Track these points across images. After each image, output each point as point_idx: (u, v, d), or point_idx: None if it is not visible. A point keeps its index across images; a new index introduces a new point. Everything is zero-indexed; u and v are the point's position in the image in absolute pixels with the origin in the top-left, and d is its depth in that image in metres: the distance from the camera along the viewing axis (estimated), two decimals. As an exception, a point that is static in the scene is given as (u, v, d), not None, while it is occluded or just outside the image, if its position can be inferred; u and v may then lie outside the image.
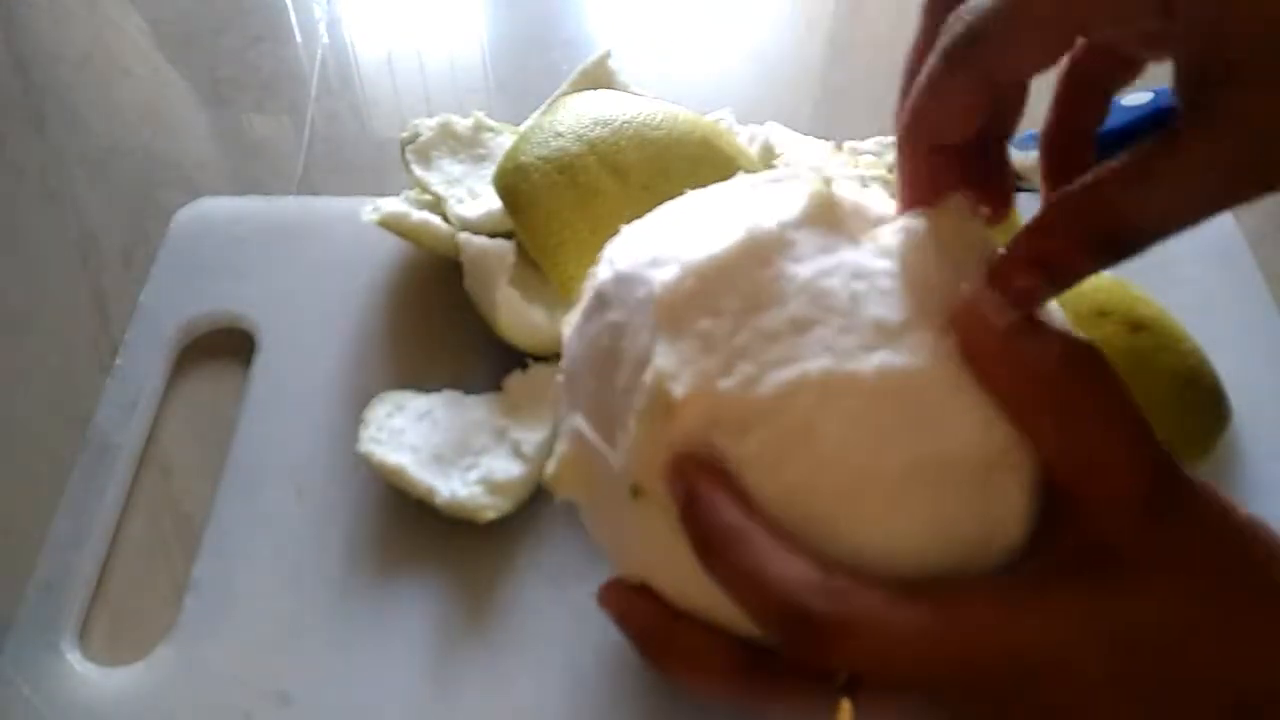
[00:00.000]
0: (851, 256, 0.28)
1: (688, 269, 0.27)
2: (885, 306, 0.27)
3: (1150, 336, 0.39)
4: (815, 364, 0.26)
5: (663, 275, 0.27)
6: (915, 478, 0.26)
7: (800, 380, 0.26)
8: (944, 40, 0.26)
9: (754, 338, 0.26)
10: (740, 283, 0.27)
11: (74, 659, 0.38)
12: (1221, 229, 0.50)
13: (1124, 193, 0.25)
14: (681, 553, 0.27)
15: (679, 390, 0.26)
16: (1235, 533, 0.26)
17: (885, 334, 0.26)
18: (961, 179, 0.28)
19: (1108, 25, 0.25)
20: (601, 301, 0.30)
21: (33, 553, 0.41)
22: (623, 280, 0.29)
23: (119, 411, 0.45)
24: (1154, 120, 0.52)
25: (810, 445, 0.26)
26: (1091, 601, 0.25)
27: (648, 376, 0.27)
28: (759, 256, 0.27)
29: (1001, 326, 0.26)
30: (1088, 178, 0.25)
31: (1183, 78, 0.25)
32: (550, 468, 0.30)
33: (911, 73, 0.28)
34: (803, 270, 0.27)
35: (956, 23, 0.25)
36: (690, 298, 0.27)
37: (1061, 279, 0.26)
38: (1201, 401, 0.40)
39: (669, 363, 0.27)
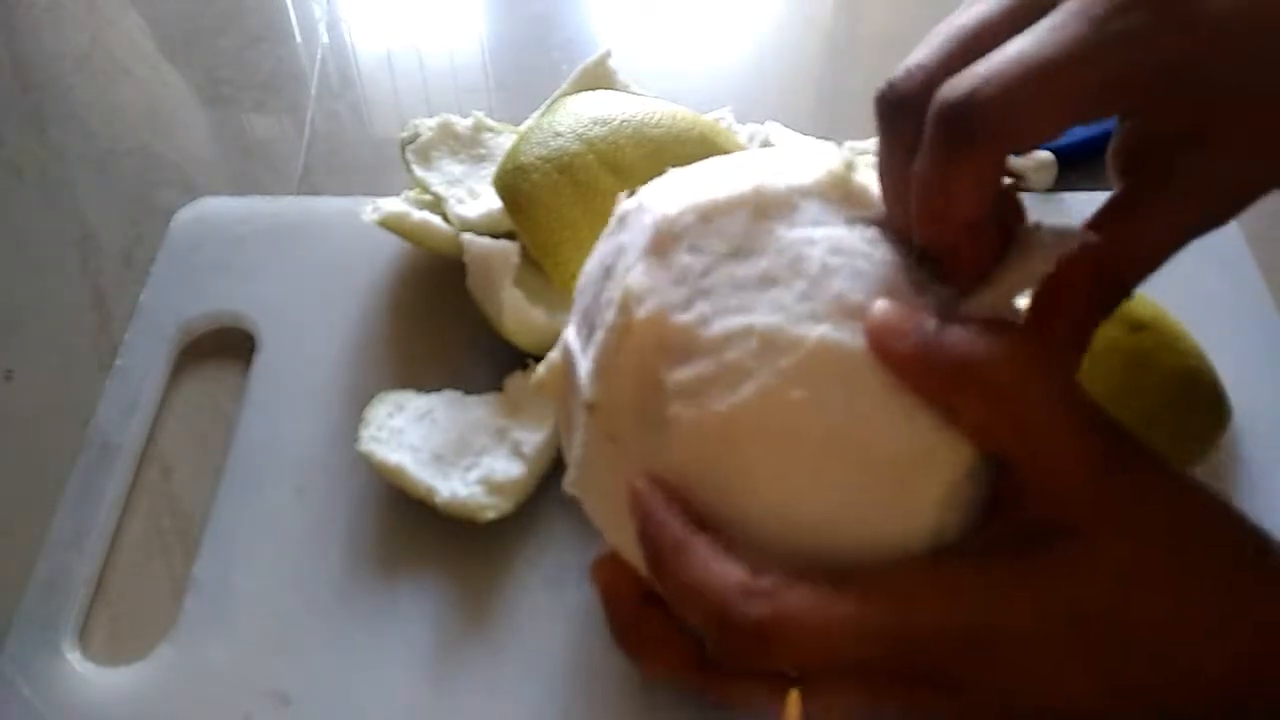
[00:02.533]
0: (841, 233, 0.29)
1: (689, 206, 0.29)
2: (852, 285, 0.28)
3: (1150, 336, 0.39)
4: (764, 319, 0.27)
5: (666, 207, 0.30)
6: (831, 452, 0.27)
7: (746, 329, 0.27)
8: (938, 145, 0.26)
9: (722, 282, 0.28)
10: (731, 230, 0.29)
11: (74, 659, 0.38)
12: (1222, 229, 0.50)
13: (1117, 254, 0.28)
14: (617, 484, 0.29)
15: (639, 312, 0.29)
16: (1186, 497, 0.26)
17: (841, 310, 0.27)
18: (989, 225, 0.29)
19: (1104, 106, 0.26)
20: (618, 225, 0.32)
21: (33, 553, 0.41)
22: (638, 208, 0.31)
23: (119, 411, 0.45)
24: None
25: (738, 390, 0.27)
26: (1043, 574, 0.25)
27: (618, 292, 0.29)
28: (759, 211, 0.29)
29: (911, 339, 0.26)
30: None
31: (1145, 139, 0.28)
32: (538, 372, 0.33)
33: (894, 176, 0.28)
34: (790, 234, 0.29)
35: (945, 125, 0.25)
36: (682, 231, 0.29)
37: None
38: (1201, 401, 0.40)
39: (640, 285, 0.29)
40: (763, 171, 0.30)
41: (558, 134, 0.44)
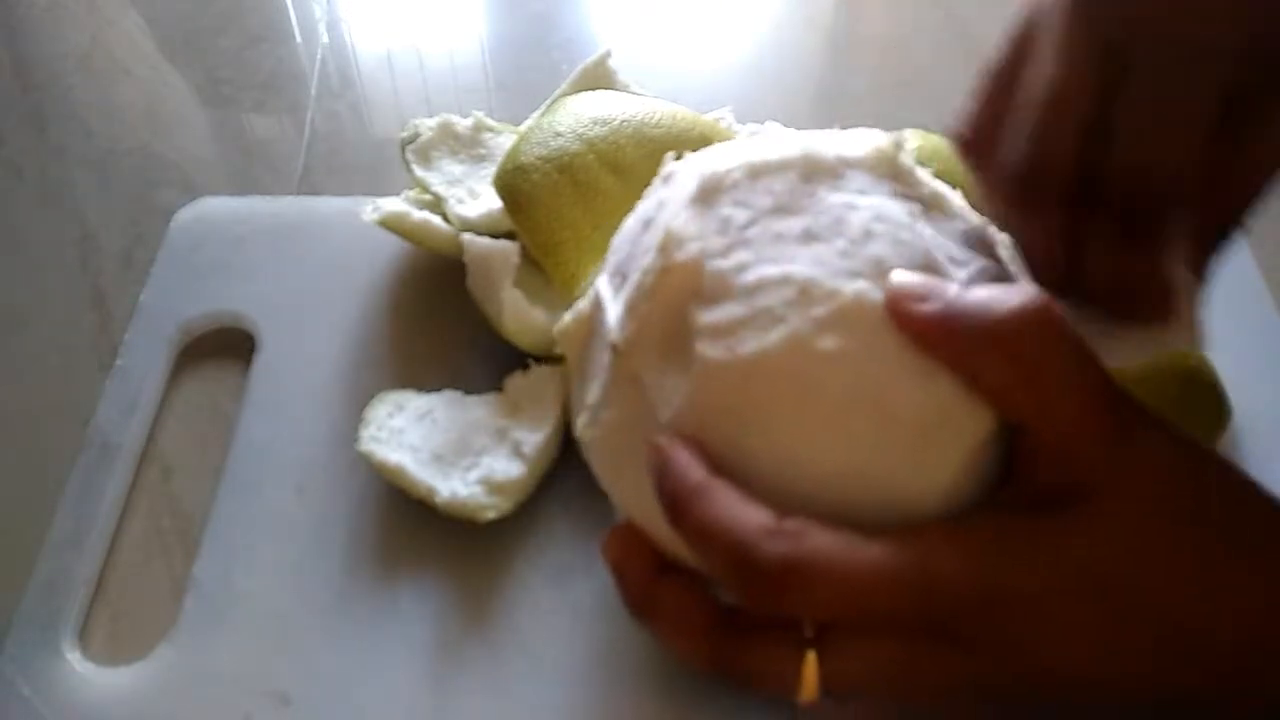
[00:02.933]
0: (886, 204, 0.29)
1: (738, 164, 0.30)
2: (892, 251, 0.28)
3: (1150, 336, 0.39)
4: (802, 270, 0.28)
5: (715, 163, 0.31)
6: (853, 405, 0.27)
7: (782, 278, 0.28)
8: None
9: (764, 234, 0.29)
10: (778, 188, 0.30)
11: (74, 659, 0.38)
12: (1221, 229, 0.50)
13: None
14: (635, 438, 0.30)
15: (678, 254, 0.29)
16: (1199, 465, 0.26)
17: (879, 271, 0.28)
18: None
19: None
20: (662, 183, 0.33)
21: (33, 553, 0.41)
22: (684, 166, 0.32)
23: (119, 411, 0.45)
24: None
25: (768, 334, 0.27)
26: (1055, 536, 0.25)
27: (659, 235, 0.30)
28: (806, 173, 0.30)
29: (932, 304, 0.26)
30: None
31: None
32: (564, 320, 0.33)
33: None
34: (835, 197, 0.29)
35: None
36: (731, 186, 0.30)
37: None
38: (1201, 401, 0.40)
39: (682, 229, 0.29)
40: (812, 141, 0.31)
41: (558, 134, 0.44)
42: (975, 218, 0.31)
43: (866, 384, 0.27)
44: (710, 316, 0.28)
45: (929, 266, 0.28)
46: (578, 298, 0.43)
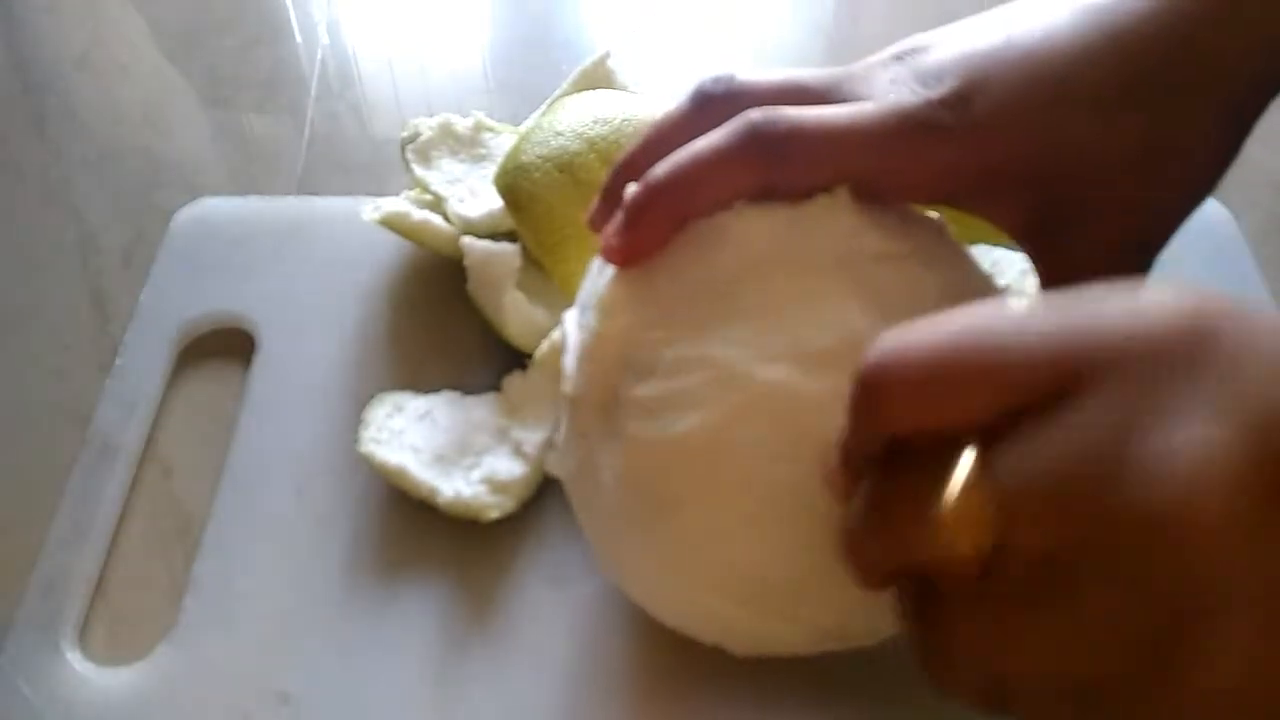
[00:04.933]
0: (817, 277, 0.28)
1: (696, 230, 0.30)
2: (819, 331, 0.27)
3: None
4: (723, 351, 0.27)
5: None
6: (766, 496, 0.27)
7: (703, 359, 0.28)
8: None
9: (695, 306, 0.29)
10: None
11: (74, 659, 0.38)
12: (1221, 229, 0.50)
13: None
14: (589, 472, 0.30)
15: (609, 324, 0.29)
16: None
17: (800, 355, 0.27)
18: None
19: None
20: None
21: (33, 553, 0.41)
22: None
23: (119, 411, 0.45)
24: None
25: (684, 416, 0.27)
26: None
27: (596, 294, 0.30)
28: None
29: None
30: None
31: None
32: (542, 347, 0.35)
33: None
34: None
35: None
36: (664, 263, 0.30)
37: None
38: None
39: (615, 296, 0.30)
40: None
41: (559, 133, 0.44)
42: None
43: (779, 473, 0.27)
44: (638, 391, 0.28)
45: (855, 345, 0.26)
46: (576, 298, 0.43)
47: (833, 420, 0.25)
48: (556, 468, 0.33)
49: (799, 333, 0.27)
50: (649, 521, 0.29)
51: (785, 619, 0.29)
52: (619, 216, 0.30)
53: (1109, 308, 0.21)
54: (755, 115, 0.29)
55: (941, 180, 0.29)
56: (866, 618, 0.28)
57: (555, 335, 0.33)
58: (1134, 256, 0.29)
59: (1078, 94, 0.28)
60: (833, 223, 0.29)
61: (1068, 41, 0.28)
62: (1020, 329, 0.21)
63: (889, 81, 0.29)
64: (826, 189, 0.30)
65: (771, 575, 0.28)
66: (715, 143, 0.29)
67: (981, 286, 0.31)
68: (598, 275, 0.32)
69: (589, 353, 0.30)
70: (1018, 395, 0.21)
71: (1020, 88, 0.28)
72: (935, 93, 0.28)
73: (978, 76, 0.28)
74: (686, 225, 0.30)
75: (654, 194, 0.29)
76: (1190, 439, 0.18)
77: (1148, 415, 0.19)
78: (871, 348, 0.22)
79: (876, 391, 0.22)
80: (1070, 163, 0.28)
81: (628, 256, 0.30)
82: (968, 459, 0.21)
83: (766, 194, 0.30)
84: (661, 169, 0.30)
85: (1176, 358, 0.19)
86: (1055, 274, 0.30)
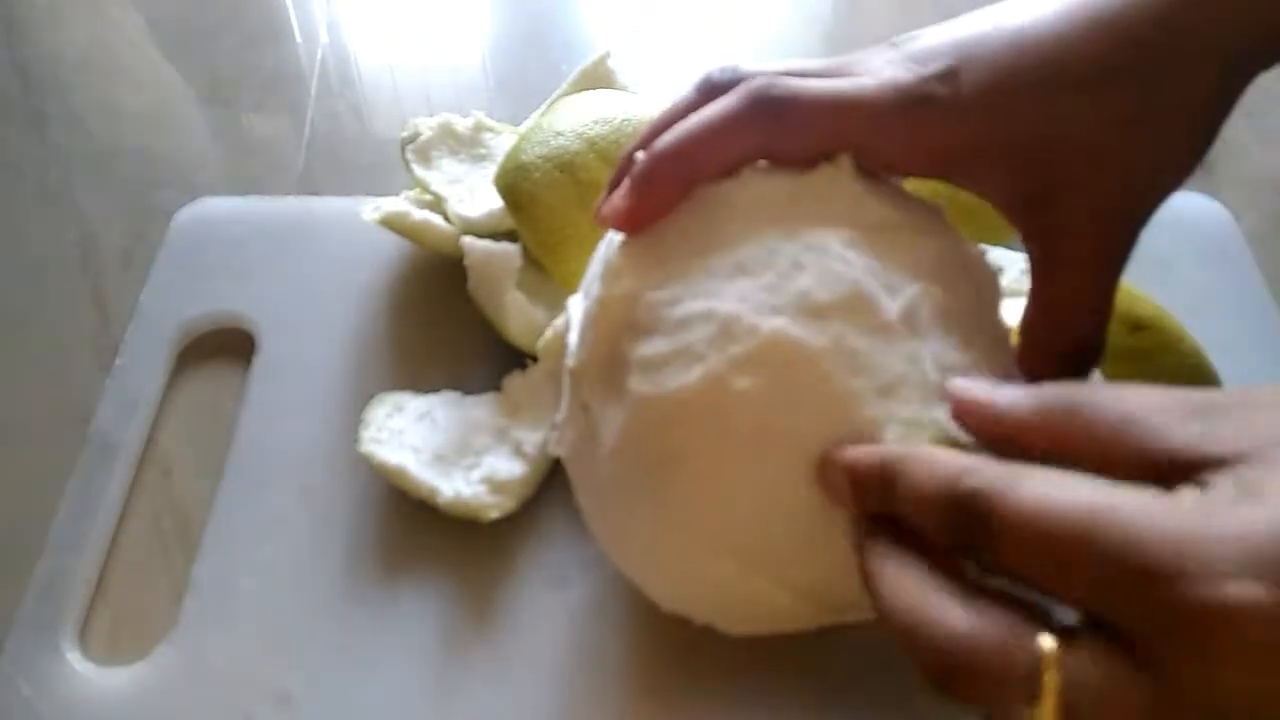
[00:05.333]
0: (823, 233, 0.29)
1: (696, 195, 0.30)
2: (817, 282, 0.28)
3: (1150, 336, 0.39)
4: (724, 306, 0.28)
5: None
6: (765, 449, 0.27)
7: (706, 313, 0.28)
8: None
9: (699, 266, 0.29)
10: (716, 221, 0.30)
11: (74, 659, 0.38)
12: (1221, 229, 0.50)
13: None
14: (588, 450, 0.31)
15: (615, 288, 0.30)
16: None
17: (800, 305, 0.28)
18: None
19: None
20: None
21: (33, 553, 0.41)
22: None
23: (119, 411, 0.45)
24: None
25: (688, 371, 0.28)
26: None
27: (602, 266, 0.31)
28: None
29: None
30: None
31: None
32: (546, 334, 0.35)
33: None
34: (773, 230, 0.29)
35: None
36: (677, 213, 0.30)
37: None
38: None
39: (620, 261, 0.30)
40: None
41: (559, 133, 0.44)
42: (941, 237, 0.31)
43: (779, 424, 0.27)
44: (641, 350, 0.29)
45: (856, 297, 0.28)
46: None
47: (833, 370, 0.27)
48: (557, 446, 0.33)
49: (797, 285, 0.28)
50: (649, 484, 0.29)
51: (781, 583, 0.29)
52: (625, 184, 0.31)
53: (1227, 594, 0.20)
54: (758, 82, 0.30)
55: (934, 152, 0.30)
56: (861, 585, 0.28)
57: (558, 322, 0.33)
58: (1119, 229, 0.30)
59: (1063, 72, 0.29)
60: (834, 191, 0.30)
61: (1053, 24, 0.29)
62: (1155, 548, 0.20)
63: (884, 62, 0.31)
64: (828, 158, 0.31)
65: (769, 530, 0.28)
66: (719, 108, 0.30)
67: (975, 257, 0.32)
68: (605, 250, 0.33)
69: (594, 319, 0.30)
70: (1115, 610, 0.21)
71: (1007, 66, 0.29)
72: (928, 69, 0.30)
73: (967, 55, 0.30)
74: (693, 190, 0.31)
75: (660, 160, 0.30)
76: None
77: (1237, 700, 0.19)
78: (996, 474, 0.23)
79: (988, 523, 0.22)
80: (1057, 138, 0.29)
81: (635, 221, 0.31)
82: (1053, 663, 0.21)
83: (770, 157, 0.31)
84: (668, 137, 0.31)
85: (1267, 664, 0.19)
86: (1044, 247, 0.30)
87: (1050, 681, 0.21)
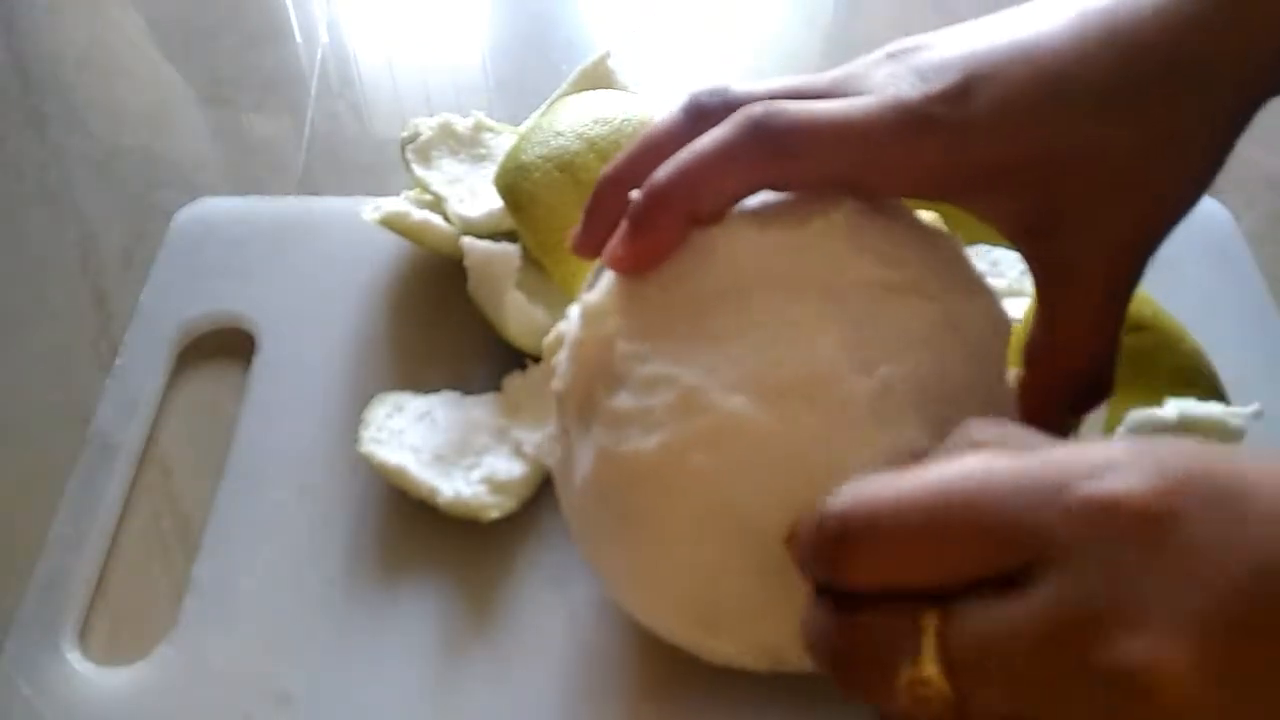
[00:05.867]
0: (800, 303, 0.28)
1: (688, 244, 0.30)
2: (787, 360, 0.27)
3: (1150, 336, 0.39)
4: (688, 376, 0.27)
5: None
6: (716, 526, 0.27)
7: (670, 379, 0.28)
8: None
9: (673, 324, 0.29)
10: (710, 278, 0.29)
11: (74, 659, 0.38)
12: (1221, 229, 0.50)
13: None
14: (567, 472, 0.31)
15: (591, 330, 0.30)
16: None
17: (766, 385, 0.27)
18: None
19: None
20: None
21: (33, 553, 0.41)
22: None
23: (119, 411, 0.45)
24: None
25: (649, 435, 0.28)
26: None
27: (591, 298, 0.30)
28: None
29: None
30: None
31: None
32: (549, 336, 0.35)
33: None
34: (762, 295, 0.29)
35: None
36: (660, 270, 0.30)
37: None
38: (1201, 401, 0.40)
39: (600, 303, 0.30)
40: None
41: (559, 133, 0.44)
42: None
43: (732, 503, 0.27)
44: (609, 402, 0.29)
45: (822, 378, 0.27)
46: (578, 297, 0.43)
47: (784, 455, 0.26)
48: (548, 457, 0.33)
49: (764, 360, 0.27)
50: (613, 529, 0.29)
51: (735, 641, 0.30)
52: (624, 226, 0.30)
53: (1082, 490, 0.21)
54: (756, 110, 0.29)
55: (937, 176, 0.29)
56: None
57: (561, 328, 0.34)
58: (1128, 258, 0.29)
59: (1075, 93, 0.28)
60: (826, 247, 0.29)
61: (1067, 42, 0.28)
62: (999, 503, 0.21)
63: (887, 76, 0.29)
64: (824, 206, 0.29)
65: (720, 599, 0.28)
66: (717, 139, 0.29)
67: (988, 319, 0.30)
68: (596, 274, 0.32)
69: (572, 355, 0.31)
70: (988, 567, 0.21)
71: (1019, 85, 0.28)
72: (934, 87, 0.28)
73: (978, 73, 0.28)
74: (691, 229, 0.29)
75: (658, 197, 0.29)
76: (1145, 648, 0.19)
77: (1107, 609, 0.20)
78: (835, 498, 0.23)
79: (840, 546, 0.23)
80: (1066, 161, 0.28)
81: (636, 266, 0.30)
82: (930, 628, 0.21)
83: (771, 188, 0.30)
84: (663, 171, 0.29)
85: (1141, 545, 0.20)
86: (1050, 274, 0.30)
87: (928, 632, 0.21)
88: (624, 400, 0.28)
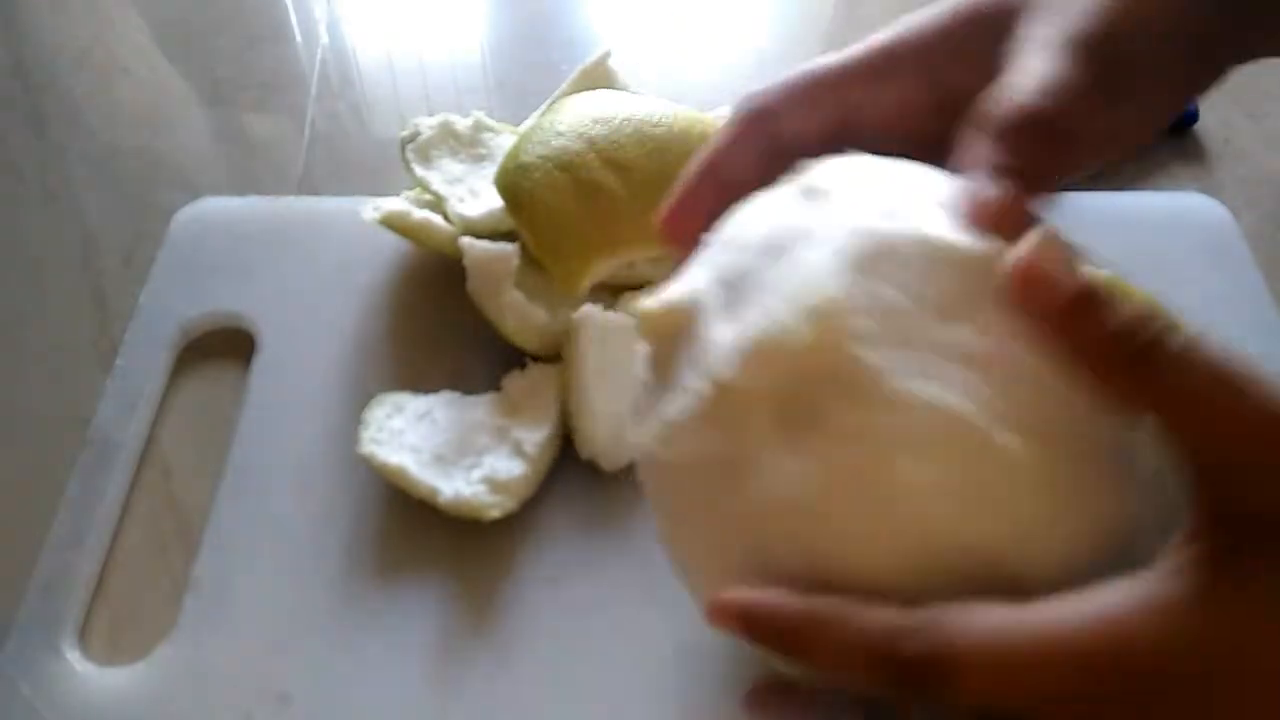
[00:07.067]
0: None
1: (914, 236, 0.26)
2: (1042, 401, 0.25)
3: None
4: (955, 401, 0.25)
5: (887, 225, 0.26)
6: (948, 558, 0.25)
7: (930, 404, 0.25)
8: None
9: (922, 337, 0.25)
10: (944, 283, 0.26)
11: (74, 659, 0.38)
12: (1221, 229, 0.50)
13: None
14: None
15: (826, 327, 0.25)
16: None
17: (1027, 423, 0.25)
18: None
19: None
20: (804, 196, 0.28)
21: (33, 553, 0.41)
22: (830, 192, 0.28)
23: (119, 411, 0.45)
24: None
25: (903, 456, 0.25)
26: (1266, 582, 0.22)
27: (797, 284, 0.26)
28: (978, 272, 0.26)
29: (1072, 289, 0.24)
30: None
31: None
32: (650, 303, 0.29)
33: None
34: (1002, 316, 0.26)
35: None
36: (900, 262, 0.26)
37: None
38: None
39: (838, 299, 0.25)
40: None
41: (559, 133, 0.44)
42: None
43: (980, 541, 0.25)
44: (846, 416, 0.25)
45: (1065, 418, 0.25)
46: (579, 296, 0.43)
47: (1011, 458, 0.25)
48: (662, 446, 0.29)
49: (1027, 397, 0.25)
50: (826, 548, 0.26)
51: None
52: None
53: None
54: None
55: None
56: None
57: (670, 297, 0.29)
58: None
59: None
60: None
61: None
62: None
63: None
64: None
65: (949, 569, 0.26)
66: None
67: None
68: (762, 249, 0.28)
69: (780, 346, 0.26)
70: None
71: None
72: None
73: None
74: None
75: None
76: None
77: None
78: (933, 637, 0.23)
79: (949, 681, 0.23)
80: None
81: None
82: None
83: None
84: None
85: None
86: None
87: None
88: (870, 416, 0.25)
